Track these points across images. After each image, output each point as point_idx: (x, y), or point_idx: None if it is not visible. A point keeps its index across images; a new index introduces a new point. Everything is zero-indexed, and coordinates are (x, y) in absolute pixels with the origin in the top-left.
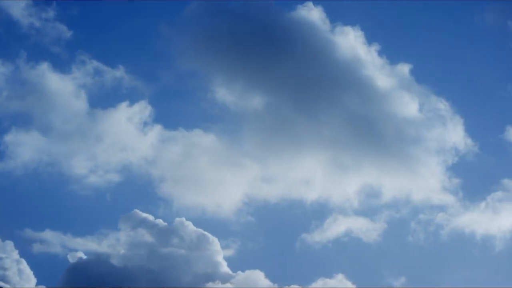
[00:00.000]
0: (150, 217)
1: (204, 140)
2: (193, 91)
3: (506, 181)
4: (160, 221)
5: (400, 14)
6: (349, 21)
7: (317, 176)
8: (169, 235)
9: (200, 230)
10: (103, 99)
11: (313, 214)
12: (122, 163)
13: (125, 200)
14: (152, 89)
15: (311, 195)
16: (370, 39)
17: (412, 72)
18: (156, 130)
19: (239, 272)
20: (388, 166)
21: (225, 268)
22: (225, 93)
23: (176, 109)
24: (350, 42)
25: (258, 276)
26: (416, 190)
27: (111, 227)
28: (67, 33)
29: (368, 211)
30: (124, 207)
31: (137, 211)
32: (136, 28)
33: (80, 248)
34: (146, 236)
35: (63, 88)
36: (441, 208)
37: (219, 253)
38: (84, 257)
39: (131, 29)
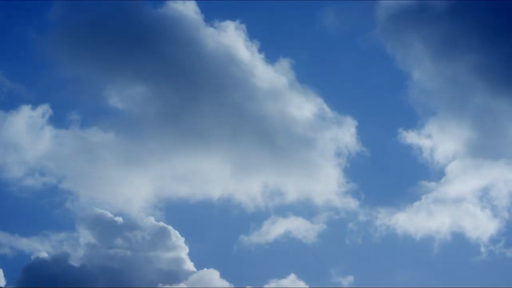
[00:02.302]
0: (108, 214)
1: (103, 138)
2: (77, 91)
3: (421, 183)
4: (119, 219)
5: (279, 12)
6: (228, 17)
7: (223, 175)
8: (127, 232)
9: (161, 224)
10: None
11: (220, 211)
12: (21, 164)
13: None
14: (34, 92)
15: (217, 193)
16: (250, 35)
17: (295, 71)
18: (52, 132)
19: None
20: (286, 167)
21: (188, 265)
22: (112, 92)
23: (65, 110)
24: (230, 38)
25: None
26: (317, 192)
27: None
28: None
29: (271, 212)
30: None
31: (95, 209)
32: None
33: (29, 249)
34: (105, 234)
35: None
36: (346, 210)
37: (183, 249)
38: (42, 256)
39: None
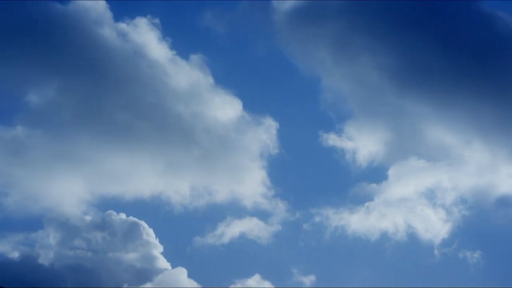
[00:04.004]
0: (77, 212)
1: (28, 136)
2: None
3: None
4: (88, 217)
5: (191, 10)
6: (138, 14)
7: (154, 174)
8: (98, 230)
9: (133, 218)
10: None
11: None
12: None
13: None
14: None
15: (147, 192)
16: (164, 32)
17: (209, 70)
18: None
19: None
20: (212, 168)
21: (161, 262)
22: (30, 90)
23: None
24: (141, 35)
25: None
26: (245, 194)
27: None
28: None
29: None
30: None
31: (62, 207)
32: None
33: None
34: (74, 234)
35: None
36: (275, 212)
37: (155, 246)
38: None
39: None
